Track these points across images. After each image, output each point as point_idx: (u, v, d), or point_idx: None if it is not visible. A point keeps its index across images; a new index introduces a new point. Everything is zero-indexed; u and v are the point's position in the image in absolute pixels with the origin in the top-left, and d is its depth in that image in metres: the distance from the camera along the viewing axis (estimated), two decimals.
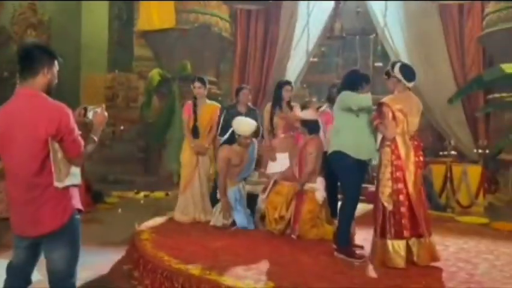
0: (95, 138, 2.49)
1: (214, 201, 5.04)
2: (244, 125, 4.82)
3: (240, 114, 5.09)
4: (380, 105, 3.71)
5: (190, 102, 5.25)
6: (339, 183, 4.35)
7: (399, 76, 3.69)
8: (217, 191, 4.92)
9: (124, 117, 9.77)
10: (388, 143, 3.66)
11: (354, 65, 9.69)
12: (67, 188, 2.32)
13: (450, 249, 4.16)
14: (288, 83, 5.35)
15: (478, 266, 3.70)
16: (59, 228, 2.29)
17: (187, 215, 5.04)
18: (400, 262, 3.52)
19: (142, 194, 7.85)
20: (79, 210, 2.41)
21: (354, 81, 3.89)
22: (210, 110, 5.22)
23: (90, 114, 2.55)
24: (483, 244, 4.42)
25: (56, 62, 2.38)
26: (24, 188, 2.27)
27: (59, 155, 2.28)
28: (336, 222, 4.23)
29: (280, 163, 4.97)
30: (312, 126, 4.55)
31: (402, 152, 3.61)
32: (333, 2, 8.84)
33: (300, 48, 8.93)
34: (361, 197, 3.97)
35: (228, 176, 4.83)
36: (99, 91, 10.17)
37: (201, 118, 5.16)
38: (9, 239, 2.51)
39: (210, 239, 4.32)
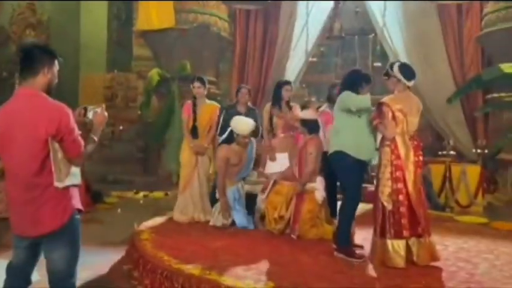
0: (95, 138, 2.49)
1: (213, 201, 5.04)
2: (242, 124, 4.82)
3: (239, 114, 5.09)
4: (379, 105, 3.71)
5: (189, 102, 5.24)
6: (338, 183, 4.36)
7: (399, 76, 3.70)
8: (216, 191, 4.93)
9: (123, 117, 9.77)
10: (388, 142, 3.67)
11: (353, 65, 9.70)
12: (67, 188, 2.32)
13: (449, 249, 4.16)
14: (288, 82, 5.35)
15: (478, 265, 3.70)
16: (59, 228, 2.29)
17: (186, 215, 5.03)
18: (400, 262, 3.52)
19: (141, 194, 7.85)
20: (79, 210, 2.41)
21: (354, 81, 3.90)
22: (209, 109, 5.22)
23: (90, 114, 2.55)
24: (482, 244, 4.42)
25: (56, 62, 2.38)
26: (24, 188, 2.27)
27: (59, 155, 2.28)
28: (335, 222, 4.23)
29: (279, 163, 4.98)
30: (311, 126, 4.55)
31: (401, 151, 3.61)
32: (332, 2, 8.84)
33: (299, 48, 8.93)
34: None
35: (227, 176, 4.83)
36: (98, 91, 10.16)
37: (200, 118, 5.15)
38: (9, 239, 2.51)
39: (209, 239, 4.32)
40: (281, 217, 4.50)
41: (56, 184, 2.26)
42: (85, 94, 10.44)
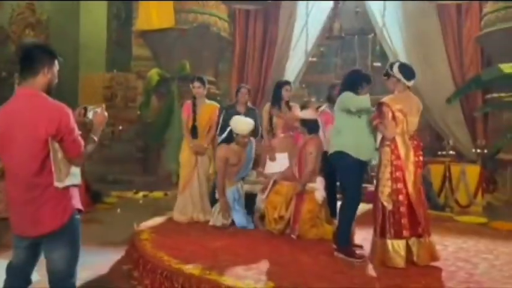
0: (95, 138, 2.49)
1: (213, 201, 5.04)
2: (241, 124, 4.82)
3: (238, 114, 5.09)
4: (379, 105, 3.71)
5: (189, 102, 5.24)
6: (338, 183, 4.36)
7: (399, 76, 3.70)
8: (216, 191, 4.93)
9: (122, 117, 9.77)
10: (388, 142, 3.67)
11: (352, 65, 9.71)
12: (67, 188, 2.31)
13: (449, 249, 4.17)
14: (288, 83, 5.36)
15: (477, 265, 3.70)
16: (59, 228, 2.29)
17: (185, 215, 5.03)
18: (400, 262, 3.53)
19: (141, 194, 7.83)
20: (79, 210, 2.40)
21: (354, 82, 3.90)
22: (209, 109, 5.22)
23: (90, 114, 2.55)
24: (482, 243, 4.43)
25: (56, 62, 2.38)
26: (24, 188, 2.27)
27: (59, 155, 2.27)
28: (335, 222, 4.23)
29: (279, 163, 4.98)
30: (311, 126, 4.55)
31: (401, 151, 3.62)
32: (331, 2, 8.83)
33: (299, 48, 8.92)
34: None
35: (226, 176, 4.83)
36: (97, 91, 10.15)
37: (200, 118, 5.15)
38: (9, 239, 2.50)
39: (209, 239, 4.32)
40: (281, 217, 4.50)
41: (56, 184, 2.26)
42: (84, 94, 10.43)
